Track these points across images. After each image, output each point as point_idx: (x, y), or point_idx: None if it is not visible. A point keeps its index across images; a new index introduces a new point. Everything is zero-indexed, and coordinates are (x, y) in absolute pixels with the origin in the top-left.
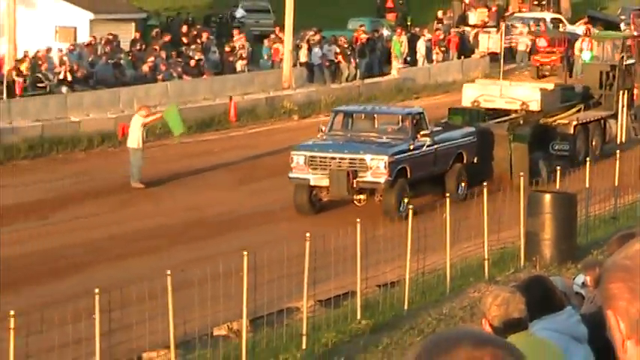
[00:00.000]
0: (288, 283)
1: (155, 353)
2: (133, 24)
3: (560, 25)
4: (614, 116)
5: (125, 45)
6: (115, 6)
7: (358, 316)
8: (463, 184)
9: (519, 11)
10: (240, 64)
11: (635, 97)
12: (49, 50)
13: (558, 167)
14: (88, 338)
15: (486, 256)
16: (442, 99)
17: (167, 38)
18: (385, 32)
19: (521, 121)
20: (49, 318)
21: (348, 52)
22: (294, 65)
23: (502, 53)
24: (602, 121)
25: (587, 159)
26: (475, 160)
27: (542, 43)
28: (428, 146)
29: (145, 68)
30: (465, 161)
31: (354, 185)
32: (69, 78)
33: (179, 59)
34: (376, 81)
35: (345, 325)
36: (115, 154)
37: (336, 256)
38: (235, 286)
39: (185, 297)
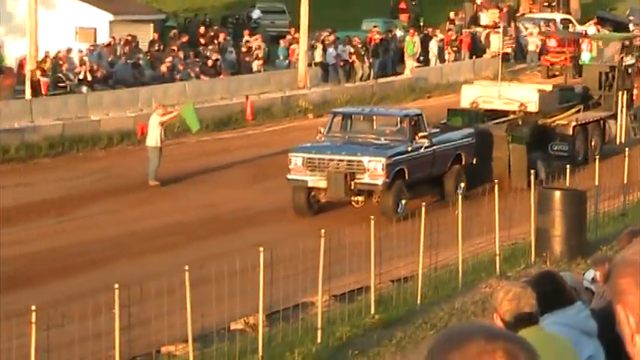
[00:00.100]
0: (303, 278)
1: (173, 347)
2: (152, 25)
3: (570, 25)
4: (614, 117)
5: (144, 45)
6: (133, 7)
7: (372, 311)
8: (462, 185)
9: (530, 12)
10: (256, 64)
11: (634, 98)
12: (69, 51)
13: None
14: (108, 332)
15: (497, 252)
16: (454, 98)
17: (185, 39)
18: (398, 33)
19: (520, 122)
20: (70, 312)
21: (362, 52)
22: (309, 65)
23: (501, 54)
24: (602, 122)
25: (597, 156)
26: (474, 161)
27: (552, 43)
28: (426, 148)
29: (163, 68)
30: (463, 162)
31: (352, 187)
32: (89, 78)
33: (197, 59)
34: (389, 80)
35: (359, 319)
36: (134, 152)
37: (350, 252)
38: (251, 282)
39: (202, 292)
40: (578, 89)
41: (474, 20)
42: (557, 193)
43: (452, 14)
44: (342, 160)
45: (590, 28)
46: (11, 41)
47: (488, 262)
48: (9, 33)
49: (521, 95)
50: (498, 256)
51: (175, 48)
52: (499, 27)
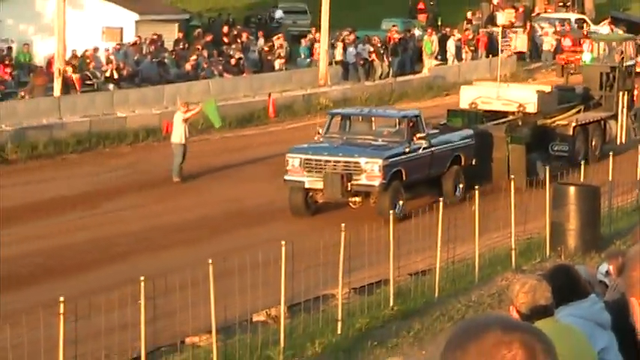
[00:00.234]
0: (323, 271)
1: (197, 338)
2: (177, 24)
3: (584, 25)
4: (614, 117)
5: (169, 44)
6: (159, 7)
7: (391, 303)
8: (461, 186)
9: (545, 12)
10: (278, 63)
11: (635, 98)
12: (96, 50)
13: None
14: (134, 324)
15: (513, 246)
16: None
17: (209, 38)
18: (417, 32)
19: (520, 123)
20: (97, 304)
21: (382, 51)
22: (330, 64)
23: (500, 55)
24: (602, 122)
25: (611, 153)
26: (473, 162)
27: (567, 42)
28: (424, 149)
29: (188, 67)
30: (462, 163)
31: (349, 188)
32: (115, 76)
33: (220, 58)
34: (408, 79)
35: (379, 311)
36: (159, 148)
37: (369, 247)
38: (273, 275)
39: (226, 285)
40: (578, 90)
41: (491, 20)
42: (572, 189)
43: (469, 14)
44: (339, 162)
45: (604, 28)
46: (40, 40)
47: (504, 256)
48: (38, 32)
49: (520, 96)
50: (514, 250)
51: (199, 47)
52: (516, 26)
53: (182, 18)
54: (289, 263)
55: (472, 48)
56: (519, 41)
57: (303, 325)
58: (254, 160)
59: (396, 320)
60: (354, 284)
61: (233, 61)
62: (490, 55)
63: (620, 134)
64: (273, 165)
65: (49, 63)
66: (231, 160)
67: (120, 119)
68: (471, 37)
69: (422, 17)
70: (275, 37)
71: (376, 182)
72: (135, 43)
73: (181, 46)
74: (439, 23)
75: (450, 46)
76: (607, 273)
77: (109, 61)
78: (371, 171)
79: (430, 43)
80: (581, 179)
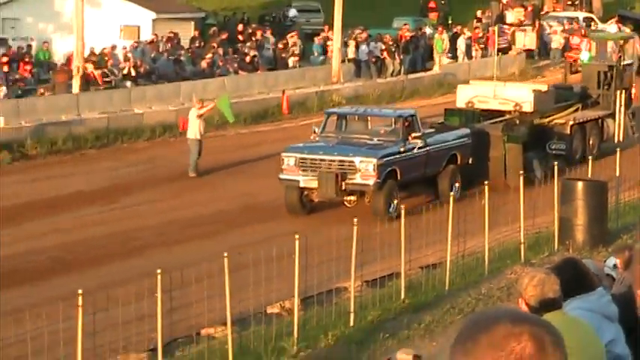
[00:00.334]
0: (336, 265)
1: (213, 329)
2: (193, 23)
3: (592, 23)
4: (612, 116)
5: (185, 42)
6: (175, 6)
7: (402, 296)
8: (457, 185)
9: (554, 10)
10: (292, 61)
11: (633, 97)
12: (114, 47)
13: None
14: (151, 315)
15: (522, 240)
16: None
17: (224, 36)
18: (428, 30)
19: (518, 122)
20: (114, 297)
21: (393, 49)
22: (343, 61)
23: (496, 55)
24: (600, 121)
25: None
26: (470, 161)
27: (575, 40)
28: (420, 148)
29: (204, 64)
30: (458, 162)
31: (343, 187)
32: (133, 73)
33: (235, 56)
34: (419, 76)
35: (390, 303)
36: (176, 144)
37: (381, 241)
38: (287, 268)
39: (241, 277)
40: (576, 88)
41: (500, 19)
42: (580, 184)
43: (479, 13)
44: (334, 161)
45: (612, 27)
46: (59, 38)
47: (513, 250)
48: (57, 30)
49: (516, 95)
50: (523, 244)
51: (215, 45)
52: (525, 25)
53: (198, 16)
54: (303, 257)
55: (482, 46)
56: (528, 39)
57: (316, 317)
58: (268, 155)
59: (407, 313)
60: (366, 277)
61: (248, 59)
62: (500, 53)
63: (617, 133)
64: None
65: (68, 60)
66: (246, 156)
67: (137, 115)
68: (480, 35)
69: (433, 16)
70: (289, 36)
71: (370, 181)
72: (152, 41)
73: (197, 44)
74: (450, 22)
75: (461, 44)
76: (615, 266)
77: (126, 59)
78: (365, 170)
79: (441, 41)
80: (589, 175)
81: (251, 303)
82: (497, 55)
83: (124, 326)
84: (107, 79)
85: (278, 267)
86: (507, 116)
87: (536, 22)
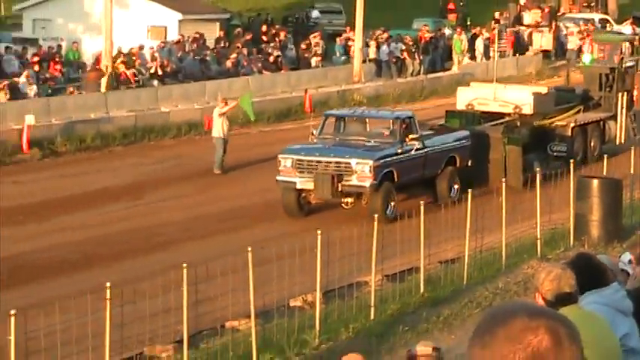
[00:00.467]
0: (357, 259)
1: (237, 322)
2: (218, 24)
3: (608, 25)
4: (614, 117)
5: (210, 43)
6: (201, 7)
7: (421, 290)
8: (455, 187)
9: (570, 12)
10: (314, 60)
11: (635, 99)
12: (141, 47)
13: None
14: (176, 308)
15: (539, 236)
16: None
17: (248, 37)
18: (447, 31)
19: (518, 124)
20: (141, 290)
21: (413, 50)
22: (364, 61)
23: (495, 55)
24: (601, 123)
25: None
26: (469, 163)
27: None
28: (417, 150)
29: (229, 64)
30: (457, 164)
31: (339, 189)
32: (159, 72)
33: (259, 55)
34: (438, 76)
35: (410, 297)
36: (201, 141)
37: (400, 236)
38: (309, 262)
39: (264, 271)
40: (578, 90)
41: (518, 20)
42: (595, 182)
43: (497, 14)
44: (330, 162)
45: (627, 28)
46: (88, 39)
47: (529, 245)
48: (86, 31)
49: (516, 97)
50: (539, 239)
51: (239, 45)
52: (542, 26)
53: (223, 17)
54: (324, 251)
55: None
56: (545, 40)
57: (337, 311)
58: None
59: (426, 306)
60: (386, 272)
61: (271, 59)
62: (517, 54)
63: (619, 134)
64: None
65: (97, 60)
66: (270, 153)
67: (164, 114)
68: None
69: (452, 17)
70: (312, 36)
71: (367, 183)
72: (178, 42)
73: (222, 45)
74: (468, 23)
75: (479, 44)
76: (629, 262)
77: (153, 59)
78: (362, 172)
79: (460, 41)
80: (604, 172)
81: (274, 296)
82: (510, 56)
83: (150, 319)
84: (135, 79)
85: (300, 261)
86: (507, 118)
87: (553, 24)
